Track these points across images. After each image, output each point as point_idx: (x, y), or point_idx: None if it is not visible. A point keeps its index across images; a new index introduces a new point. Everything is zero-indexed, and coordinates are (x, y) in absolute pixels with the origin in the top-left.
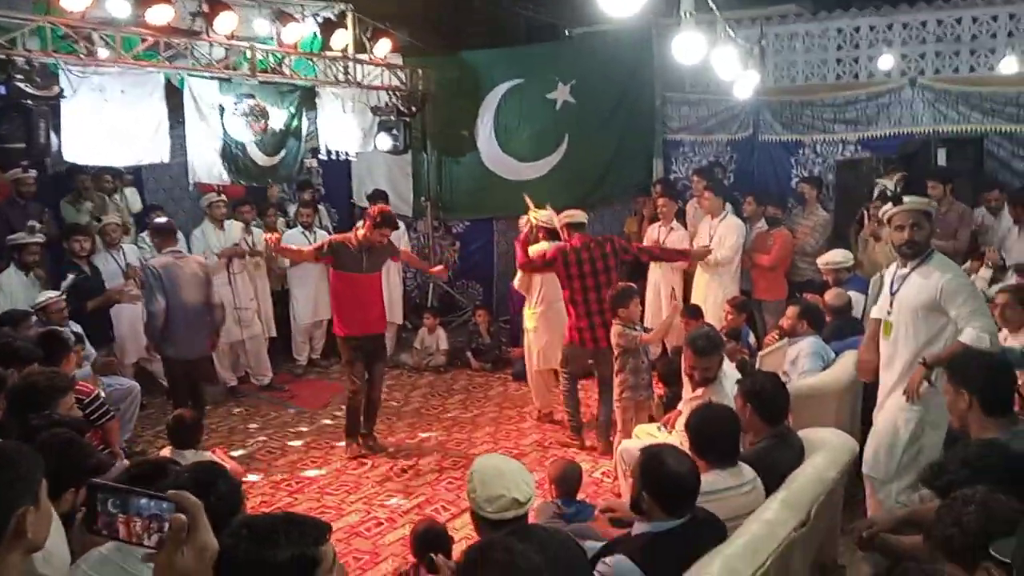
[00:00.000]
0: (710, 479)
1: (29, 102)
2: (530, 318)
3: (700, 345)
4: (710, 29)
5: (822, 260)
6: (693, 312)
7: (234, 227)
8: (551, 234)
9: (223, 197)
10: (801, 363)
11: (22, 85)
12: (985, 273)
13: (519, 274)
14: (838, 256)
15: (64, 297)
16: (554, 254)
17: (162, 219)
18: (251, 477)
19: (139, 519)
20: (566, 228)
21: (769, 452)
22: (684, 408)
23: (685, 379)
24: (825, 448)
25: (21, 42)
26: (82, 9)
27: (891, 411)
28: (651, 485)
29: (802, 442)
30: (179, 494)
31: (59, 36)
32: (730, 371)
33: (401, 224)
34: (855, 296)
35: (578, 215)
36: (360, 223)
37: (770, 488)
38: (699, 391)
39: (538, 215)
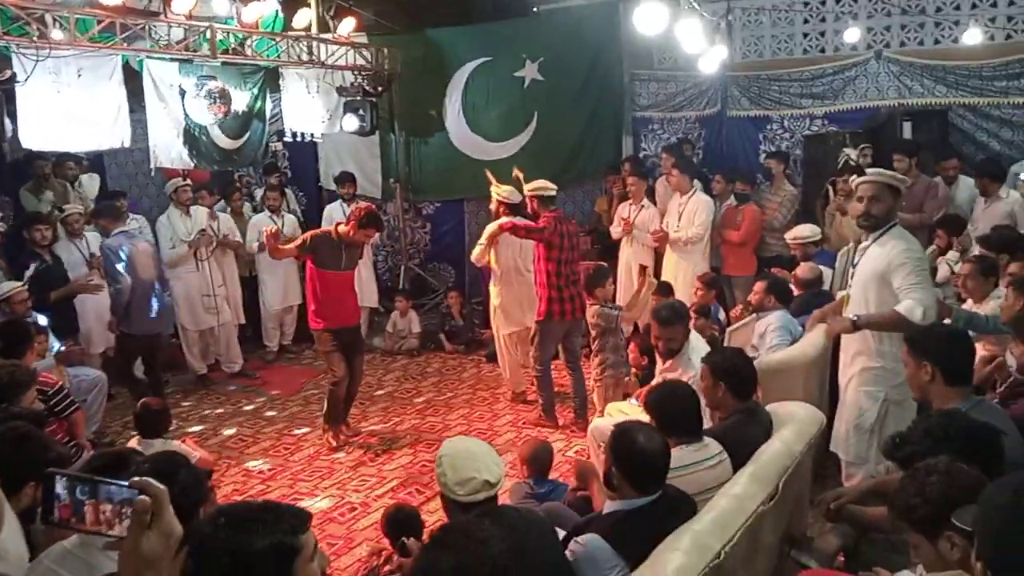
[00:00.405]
0: (676, 455)
1: None
2: (495, 295)
3: (663, 315)
4: (674, 2)
5: (790, 235)
6: (663, 289)
7: (200, 212)
8: (512, 209)
9: (188, 182)
10: (769, 337)
11: None
12: (953, 256)
13: (477, 248)
14: (805, 231)
15: (27, 287)
16: (546, 223)
17: (107, 202)
18: (223, 464)
19: (99, 507)
20: (536, 200)
21: (737, 427)
22: (657, 381)
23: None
24: (793, 421)
25: None
26: None
27: (855, 392)
28: (622, 462)
29: (770, 417)
30: (142, 480)
31: (9, 18)
32: (699, 344)
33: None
34: (823, 270)
35: (549, 187)
36: (344, 221)
37: (739, 463)
38: (668, 363)
39: (500, 191)
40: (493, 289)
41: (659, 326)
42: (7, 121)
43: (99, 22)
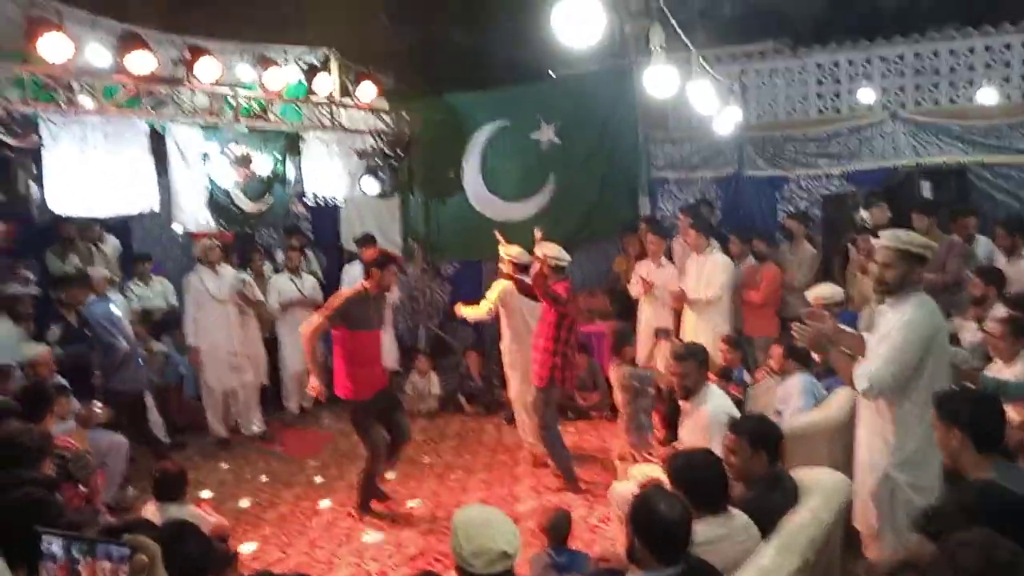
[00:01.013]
0: (700, 528)
1: (8, 153)
2: (509, 355)
3: (677, 351)
4: (687, 65)
5: (811, 294)
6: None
7: (227, 271)
8: (521, 269)
9: (217, 242)
10: (792, 402)
11: (1, 135)
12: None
13: (483, 305)
14: (827, 290)
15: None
16: (566, 295)
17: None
18: (240, 529)
19: (95, 566)
20: (549, 268)
21: (763, 496)
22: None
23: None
24: (819, 489)
25: (0, 92)
26: (63, 61)
27: (871, 469)
28: (643, 532)
29: (796, 484)
30: (135, 539)
31: (38, 85)
32: (723, 402)
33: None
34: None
35: (564, 258)
36: (363, 279)
37: (765, 532)
38: (685, 405)
39: (509, 250)
40: (506, 348)
41: (674, 362)
42: (33, 186)
43: (125, 89)
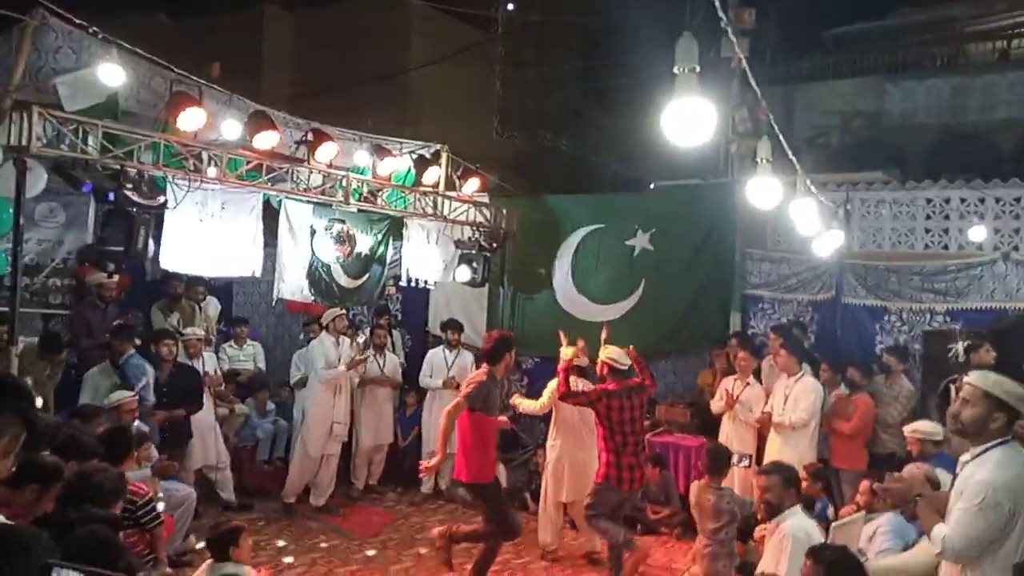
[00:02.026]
0: None
1: (133, 210)
2: (549, 449)
3: (766, 467)
4: (791, 187)
5: (909, 428)
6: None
7: (346, 342)
8: (580, 371)
9: (343, 312)
10: (878, 540)
11: (130, 194)
12: None
13: (542, 400)
14: (927, 426)
15: (137, 397)
16: (596, 394)
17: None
18: None
19: None
20: (607, 367)
21: None
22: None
23: None
24: None
25: (137, 155)
26: (195, 130)
27: None
28: None
29: None
30: None
31: (171, 152)
32: (800, 514)
33: (470, 356)
34: (941, 474)
35: (622, 362)
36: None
37: None
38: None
39: (566, 352)
40: (550, 444)
41: (761, 476)
42: (151, 243)
43: (248, 163)
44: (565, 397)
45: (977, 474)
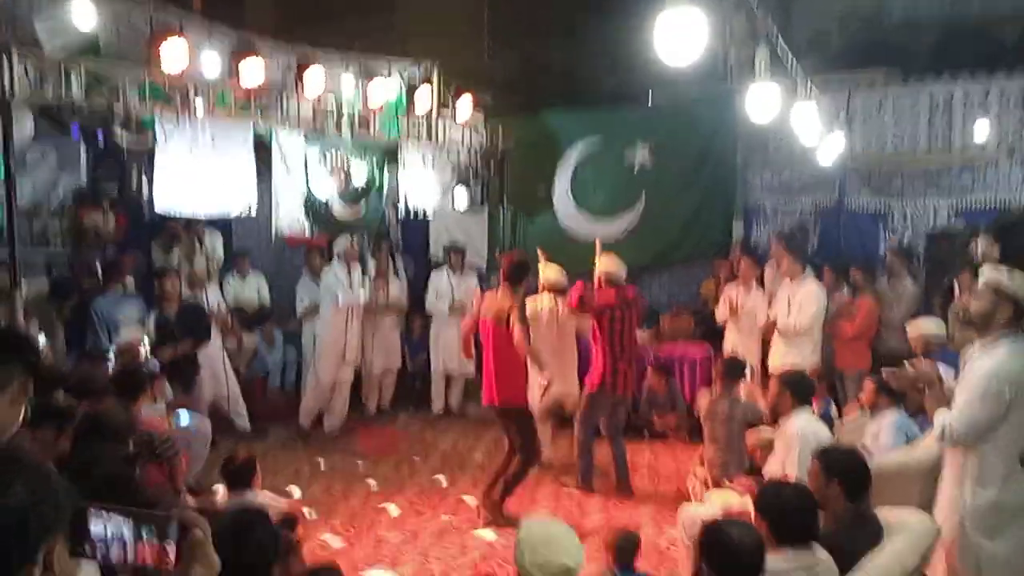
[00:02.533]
0: (780, 561)
1: (124, 151)
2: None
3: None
4: (791, 92)
5: (913, 327)
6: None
7: (358, 270)
8: (561, 291)
9: (354, 240)
10: (882, 439)
11: (119, 134)
12: None
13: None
14: (930, 325)
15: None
16: (602, 306)
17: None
18: (311, 521)
19: (143, 542)
20: (604, 278)
21: (845, 532)
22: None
23: None
24: (904, 531)
25: (122, 94)
26: (179, 65)
27: (946, 519)
28: (713, 560)
29: (880, 523)
30: (183, 513)
31: (156, 90)
32: (808, 415)
33: (474, 277)
34: (944, 369)
35: (618, 273)
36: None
37: (843, 570)
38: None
39: (546, 273)
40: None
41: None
42: (145, 184)
43: (236, 96)
44: (576, 308)
45: (982, 365)
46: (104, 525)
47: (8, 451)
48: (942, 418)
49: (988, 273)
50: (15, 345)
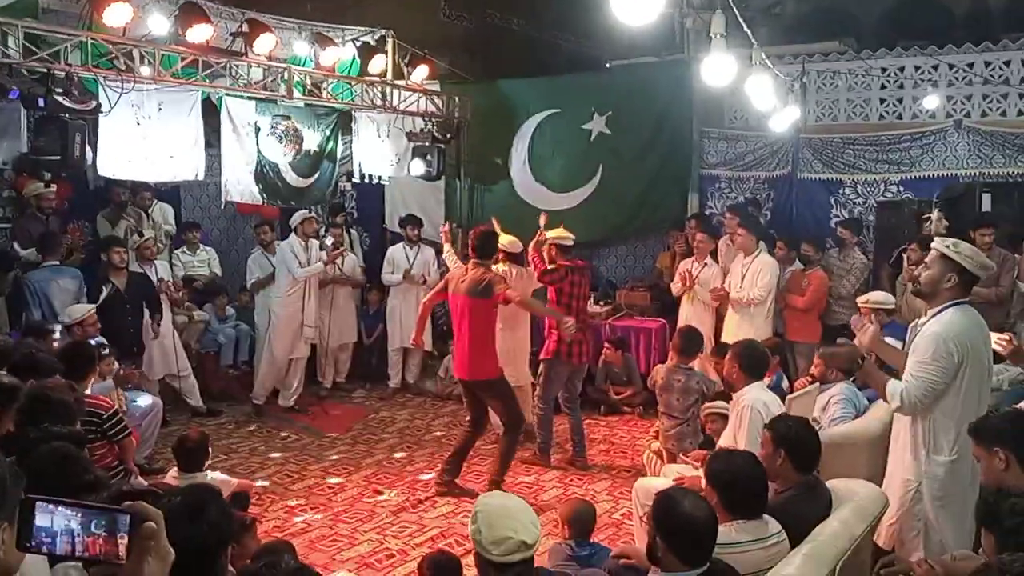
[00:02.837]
0: (731, 531)
1: (66, 115)
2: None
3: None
4: (746, 61)
5: (863, 298)
6: (722, 351)
7: (314, 245)
8: (514, 258)
9: (314, 215)
10: (831, 410)
11: (60, 99)
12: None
13: None
14: (879, 296)
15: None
16: (561, 272)
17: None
18: (265, 499)
19: (91, 534)
20: (555, 248)
21: (795, 503)
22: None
23: None
24: (853, 501)
25: (64, 57)
26: (123, 25)
27: (898, 483)
28: (665, 531)
29: (831, 494)
30: (136, 505)
31: (100, 52)
32: (760, 386)
33: (431, 250)
34: (892, 342)
35: (567, 237)
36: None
37: (794, 541)
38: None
39: (502, 240)
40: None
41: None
42: (88, 150)
43: (183, 59)
44: (543, 276)
45: (930, 329)
46: (51, 517)
47: None
48: (896, 387)
49: (936, 243)
50: None
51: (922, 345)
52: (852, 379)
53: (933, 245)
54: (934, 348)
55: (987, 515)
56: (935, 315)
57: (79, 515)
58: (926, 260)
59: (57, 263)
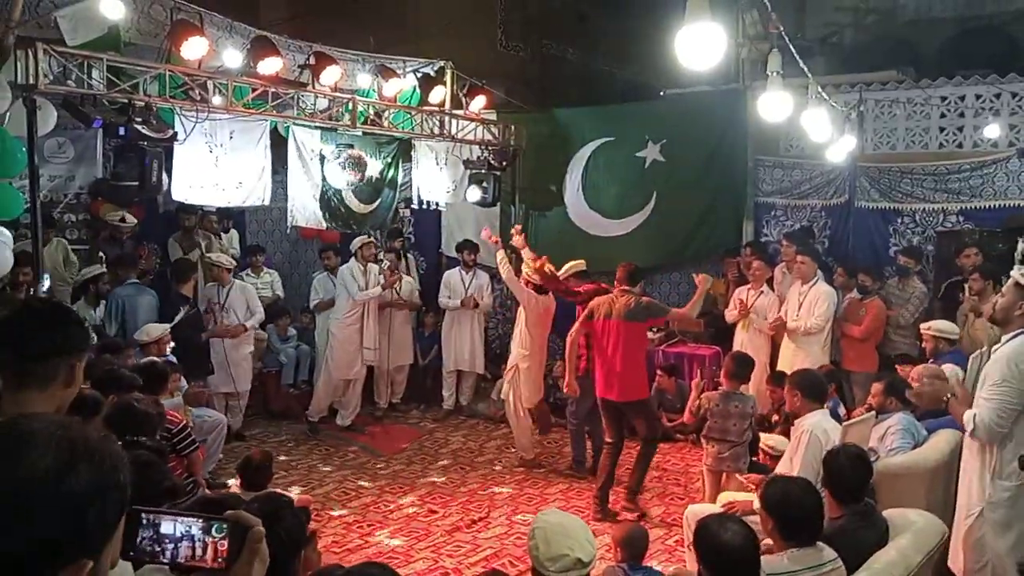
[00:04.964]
0: (784, 560)
1: (144, 144)
2: (523, 359)
3: (791, 376)
4: (802, 91)
5: (925, 325)
6: (779, 379)
7: (373, 269)
8: (536, 289)
9: (372, 239)
10: (889, 440)
11: (140, 128)
12: None
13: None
14: (943, 325)
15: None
16: (587, 294)
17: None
18: (324, 515)
19: (191, 541)
20: (572, 279)
21: (851, 531)
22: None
23: None
24: (911, 530)
25: (143, 88)
26: (198, 58)
27: (968, 509)
28: (706, 558)
29: (887, 523)
30: (236, 513)
31: (176, 84)
32: (821, 414)
33: (486, 275)
34: (953, 368)
35: (579, 265)
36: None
37: (851, 568)
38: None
39: (528, 269)
40: (521, 352)
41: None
42: (164, 175)
43: (253, 90)
44: (575, 297)
45: (1002, 354)
46: (167, 525)
47: (75, 431)
48: (970, 413)
49: (1013, 272)
50: (66, 321)
51: (993, 369)
52: (912, 410)
53: (1012, 273)
54: (1005, 371)
55: None
56: (1007, 341)
57: (182, 523)
58: (1002, 290)
59: (137, 281)
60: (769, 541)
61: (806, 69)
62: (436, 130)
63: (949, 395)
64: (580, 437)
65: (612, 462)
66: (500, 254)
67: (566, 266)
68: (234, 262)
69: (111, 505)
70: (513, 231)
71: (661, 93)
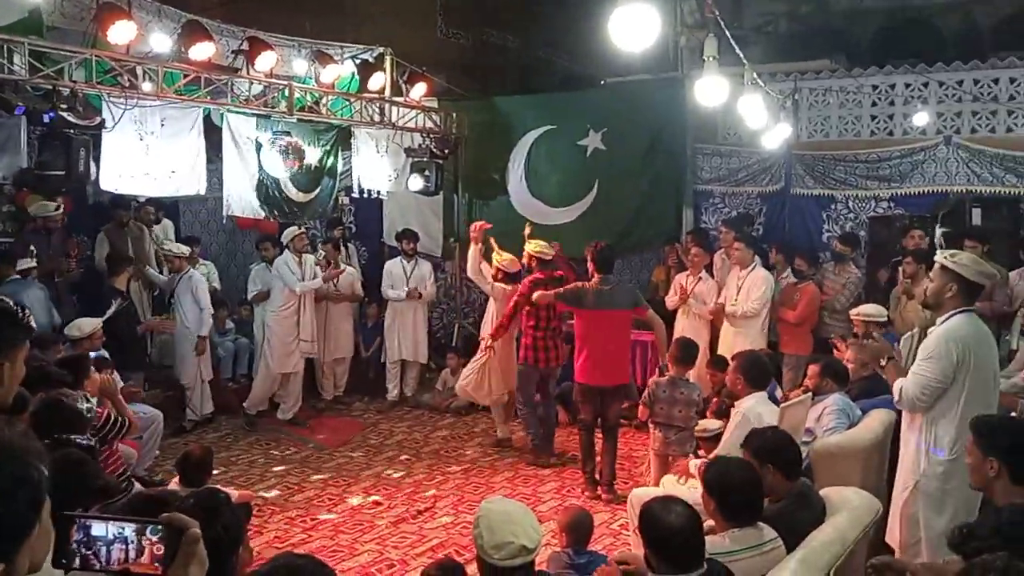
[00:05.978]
0: (725, 540)
1: (70, 131)
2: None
3: (733, 359)
4: (739, 79)
5: (855, 311)
6: (719, 363)
7: (309, 260)
8: (509, 277)
9: (303, 231)
10: (825, 420)
11: (65, 115)
12: None
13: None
14: (872, 309)
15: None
16: (540, 282)
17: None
18: (266, 510)
19: (125, 545)
20: (535, 260)
21: (789, 511)
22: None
23: None
24: (847, 508)
25: (68, 73)
26: (126, 43)
27: (904, 482)
28: (651, 541)
29: (824, 502)
30: (171, 516)
31: (104, 70)
32: (758, 397)
33: (428, 264)
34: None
35: (547, 252)
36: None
37: (790, 548)
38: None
39: (499, 259)
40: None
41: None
42: (92, 165)
43: (185, 76)
44: (528, 286)
45: (934, 332)
46: (98, 529)
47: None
48: (899, 383)
49: (937, 256)
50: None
51: (928, 343)
52: (846, 390)
53: (935, 258)
54: (934, 348)
55: (957, 548)
56: (942, 322)
57: (114, 526)
58: (930, 274)
59: (19, 276)
60: (712, 522)
61: (742, 56)
62: (376, 117)
63: (887, 358)
64: (534, 418)
65: (590, 441)
66: (473, 248)
67: (534, 245)
68: (189, 250)
69: (22, 502)
70: (478, 226)
71: (602, 82)
